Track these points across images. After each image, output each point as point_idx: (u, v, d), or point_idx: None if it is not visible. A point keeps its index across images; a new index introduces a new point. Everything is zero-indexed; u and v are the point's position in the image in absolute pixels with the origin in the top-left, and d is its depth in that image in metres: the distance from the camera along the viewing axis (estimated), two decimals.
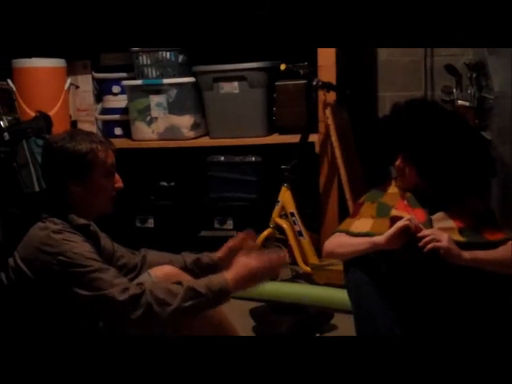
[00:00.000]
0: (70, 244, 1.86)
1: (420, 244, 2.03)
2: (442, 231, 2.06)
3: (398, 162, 2.24)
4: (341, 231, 2.30)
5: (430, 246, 2.02)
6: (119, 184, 2.06)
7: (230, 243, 2.24)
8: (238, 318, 2.75)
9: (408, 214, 2.17)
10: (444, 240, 2.02)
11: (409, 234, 2.08)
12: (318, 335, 2.66)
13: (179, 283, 1.87)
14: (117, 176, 2.06)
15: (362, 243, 2.17)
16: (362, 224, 2.25)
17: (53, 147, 1.97)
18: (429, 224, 2.14)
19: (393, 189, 2.32)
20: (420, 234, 2.05)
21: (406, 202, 2.24)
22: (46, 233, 1.88)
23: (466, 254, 2.04)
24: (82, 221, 1.99)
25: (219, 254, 2.22)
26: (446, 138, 2.17)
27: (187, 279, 2.10)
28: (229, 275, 1.90)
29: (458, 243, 2.07)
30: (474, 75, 3.07)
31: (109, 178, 2.02)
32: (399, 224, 2.09)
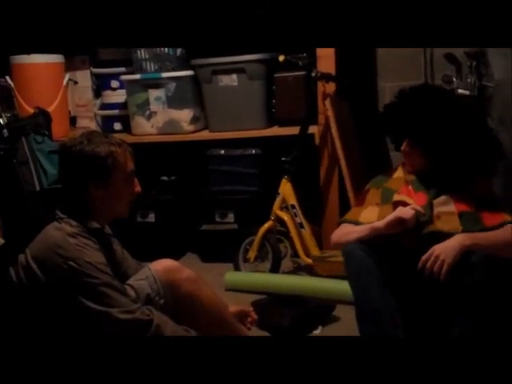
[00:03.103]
0: (83, 251, 1.86)
1: (426, 273, 2.06)
2: (441, 246, 2.07)
3: (404, 146, 2.27)
4: (349, 221, 2.34)
5: (436, 266, 2.05)
6: (138, 189, 2.06)
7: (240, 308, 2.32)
8: None
9: (410, 198, 2.21)
10: (448, 256, 2.04)
11: (408, 222, 2.11)
12: (320, 327, 2.65)
13: (187, 330, 1.93)
14: (135, 180, 2.05)
15: (363, 230, 2.22)
16: (369, 213, 2.29)
17: (72, 151, 1.95)
18: (429, 208, 2.17)
19: (398, 173, 2.36)
20: (420, 266, 2.08)
21: (410, 186, 2.27)
22: (61, 235, 1.88)
23: (467, 241, 2.06)
24: (97, 225, 1.99)
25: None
26: (451, 119, 2.21)
27: (187, 274, 2.10)
28: None
29: (455, 233, 2.10)
30: (474, 64, 3.05)
31: (128, 182, 2.02)
32: (397, 213, 2.15)
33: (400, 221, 2.13)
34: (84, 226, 1.94)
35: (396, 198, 2.25)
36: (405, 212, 2.15)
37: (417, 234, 2.16)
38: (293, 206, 3.21)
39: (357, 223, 2.29)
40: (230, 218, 3.58)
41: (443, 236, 2.11)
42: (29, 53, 3.70)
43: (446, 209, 2.18)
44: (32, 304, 1.89)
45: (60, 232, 1.88)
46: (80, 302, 1.82)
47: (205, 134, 3.69)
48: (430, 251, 2.06)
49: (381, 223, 2.16)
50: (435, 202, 2.20)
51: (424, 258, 2.06)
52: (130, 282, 2.06)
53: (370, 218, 2.27)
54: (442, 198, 2.21)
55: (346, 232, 2.30)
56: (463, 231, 2.12)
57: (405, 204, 2.20)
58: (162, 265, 2.09)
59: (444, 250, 2.04)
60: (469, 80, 3.06)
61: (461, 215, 2.16)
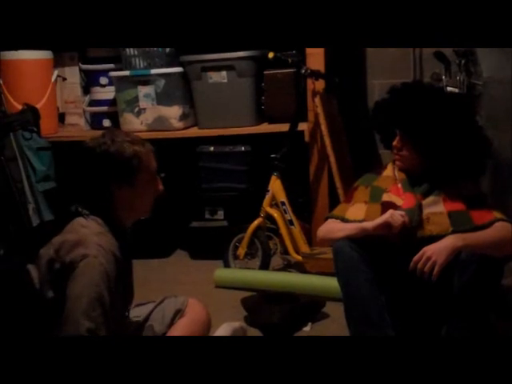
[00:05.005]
0: (100, 251, 1.84)
1: (417, 273, 2.06)
2: (433, 247, 2.07)
3: (396, 141, 2.27)
4: (335, 217, 2.33)
5: (427, 267, 2.05)
6: (161, 187, 2.06)
7: None
8: (229, 307, 2.76)
9: (399, 199, 2.21)
10: (440, 257, 2.04)
11: (395, 229, 2.13)
12: (310, 323, 2.66)
13: None
14: (158, 179, 2.05)
15: (351, 228, 2.22)
16: (356, 210, 2.28)
17: (95, 152, 1.94)
18: (418, 209, 2.17)
19: (388, 172, 2.35)
20: (411, 266, 2.08)
21: (399, 185, 2.27)
22: (87, 232, 1.88)
23: (459, 242, 2.06)
24: (122, 227, 1.99)
25: None
26: (444, 114, 2.21)
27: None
28: None
29: (445, 234, 2.10)
30: (463, 62, 3.07)
31: (152, 181, 2.02)
32: (386, 217, 2.14)
33: (388, 225, 2.13)
34: (109, 225, 1.94)
35: (385, 197, 2.25)
36: (395, 219, 2.14)
37: (405, 236, 2.15)
38: (282, 203, 3.21)
39: (343, 219, 2.29)
40: (220, 215, 3.58)
41: (433, 239, 2.11)
42: (18, 49, 3.67)
43: (435, 209, 2.17)
44: (55, 299, 1.86)
45: (86, 229, 1.89)
46: (66, 294, 1.79)
47: (194, 131, 3.68)
48: (421, 252, 2.06)
49: (369, 224, 2.16)
50: (424, 202, 2.19)
51: (415, 258, 2.06)
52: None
53: (357, 215, 2.26)
54: (431, 198, 2.21)
55: (332, 228, 2.30)
56: (453, 232, 2.12)
57: (393, 205, 2.20)
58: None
59: (436, 251, 2.04)
60: (458, 78, 3.07)
61: (450, 215, 2.16)
